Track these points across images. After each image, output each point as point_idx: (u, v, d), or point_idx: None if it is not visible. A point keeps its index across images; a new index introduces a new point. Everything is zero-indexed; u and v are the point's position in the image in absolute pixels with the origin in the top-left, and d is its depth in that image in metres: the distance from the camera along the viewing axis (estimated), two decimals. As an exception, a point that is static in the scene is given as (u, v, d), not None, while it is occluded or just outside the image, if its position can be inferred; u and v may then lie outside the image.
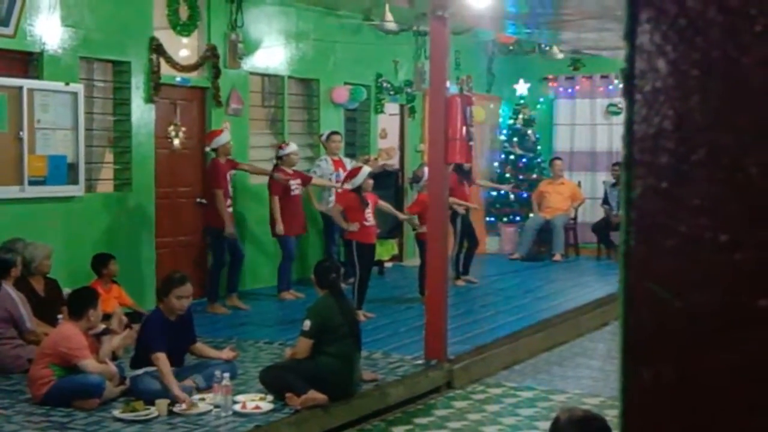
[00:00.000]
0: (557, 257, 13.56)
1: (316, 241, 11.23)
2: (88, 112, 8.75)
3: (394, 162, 13.12)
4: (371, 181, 9.20)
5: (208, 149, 9.53)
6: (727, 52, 0.77)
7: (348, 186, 9.39)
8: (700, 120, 0.78)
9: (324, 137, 10.94)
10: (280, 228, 9.77)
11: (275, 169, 10.00)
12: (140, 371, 6.21)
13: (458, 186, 10.94)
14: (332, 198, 10.35)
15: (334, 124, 11.71)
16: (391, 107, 13.02)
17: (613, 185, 13.75)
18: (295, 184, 9.98)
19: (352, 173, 9.36)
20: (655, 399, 0.80)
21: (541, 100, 15.25)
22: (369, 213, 9.14)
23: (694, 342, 0.79)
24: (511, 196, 14.42)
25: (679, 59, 0.78)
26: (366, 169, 9.22)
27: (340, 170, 10.52)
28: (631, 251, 0.80)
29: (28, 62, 8.26)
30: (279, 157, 10.10)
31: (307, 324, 6.28)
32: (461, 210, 10.98)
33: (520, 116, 14.82)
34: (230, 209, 9.33)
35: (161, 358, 6.10)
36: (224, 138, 9.37)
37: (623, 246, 0.81)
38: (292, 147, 10.13)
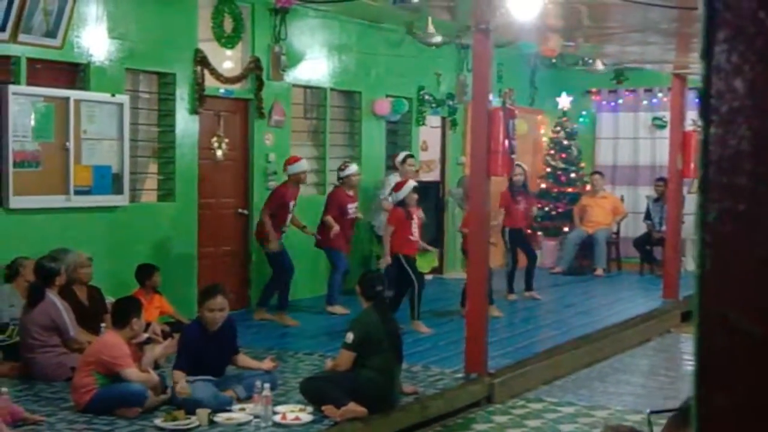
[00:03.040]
0: (599, 272, 13.45)
1: (357, 257, 11.24)
2: (133, 123, 8.84)
3: (434, 174, 13.10)
4: (416, 196, 9.21)
5: (285, 174, 9.57)
6: (807, 72, 0.75)
7: (391, 200, 9.39)
8: (780, 141, 0.76)
9: (399, 159, 10.87)
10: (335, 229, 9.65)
11: (334, 191, 10.08)
12: (182, 381, 6.25)
13: (512, 203, 10.95)
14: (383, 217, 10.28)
15: (376, 137, 11.72)
16: (433, 120, 13.01)
17: (656, 200, 13.61)
18: (353, 208, 10.03)
19: (398, 187, 9.37)
20: (729, 425, 0.78)
21: (584, 113, 15.15)
22: (414, 227, 9.16)
23: (771, 368, 0.77)
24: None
25: (758, 79, 0.76)
26: (411, 183, 9.23)
27: None
28: (706, 275, 0.78)
29: (75, 73, 8.37)
30: (340, 178, 10.14)
31: (349, 336, 6.28)
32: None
33: (562, 130, 14.73)
34: (285, 228, 9.37)
35: (175, 375, 6.21)
36: (300, 166, 9.44)
37: (698, 270, 0.79)
38: (352, 168, 10.17)
